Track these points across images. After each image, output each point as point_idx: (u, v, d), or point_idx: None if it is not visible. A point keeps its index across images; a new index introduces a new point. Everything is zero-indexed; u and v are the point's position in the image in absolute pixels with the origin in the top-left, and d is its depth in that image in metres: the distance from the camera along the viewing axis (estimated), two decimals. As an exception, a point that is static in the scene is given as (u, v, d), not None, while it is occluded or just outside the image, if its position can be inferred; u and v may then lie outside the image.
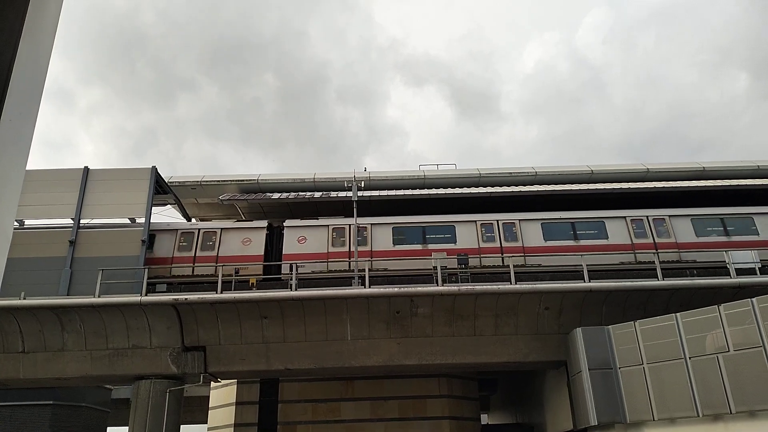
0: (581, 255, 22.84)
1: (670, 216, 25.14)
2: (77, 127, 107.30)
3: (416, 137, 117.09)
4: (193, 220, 30.09)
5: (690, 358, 18.80)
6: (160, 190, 25.63)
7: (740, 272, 22.18)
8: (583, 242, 24.58)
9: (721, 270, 22.73)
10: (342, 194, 26.41)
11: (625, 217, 25.17)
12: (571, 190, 27.23)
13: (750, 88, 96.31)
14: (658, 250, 23.94)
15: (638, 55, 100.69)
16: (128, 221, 24.74)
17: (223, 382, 27.52)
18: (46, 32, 1.66)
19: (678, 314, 19.47)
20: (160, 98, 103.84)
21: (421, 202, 27.27)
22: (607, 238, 24.72)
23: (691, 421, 18.35)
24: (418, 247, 24.43)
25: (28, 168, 1.70)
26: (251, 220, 27.56)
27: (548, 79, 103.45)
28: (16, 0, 1.57)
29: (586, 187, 27.60)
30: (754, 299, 18.18)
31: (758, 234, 24.64)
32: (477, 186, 28.85)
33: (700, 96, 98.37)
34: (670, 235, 24.65)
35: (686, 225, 24.99)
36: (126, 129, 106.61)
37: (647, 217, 25.11)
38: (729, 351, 18.11)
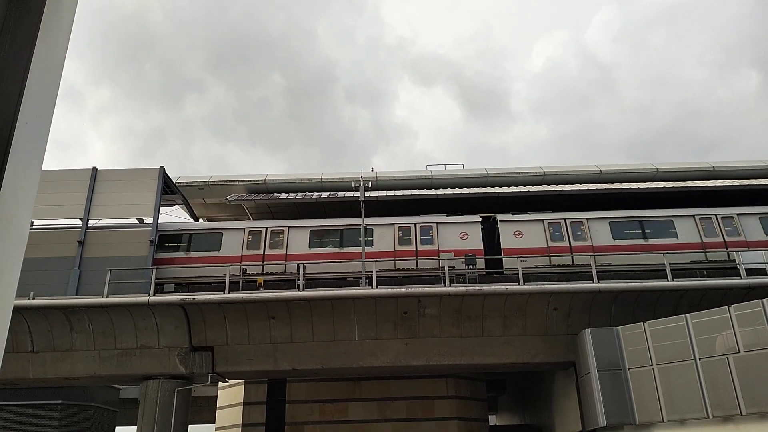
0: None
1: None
2: (87, 127, 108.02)
3: (424, 137, 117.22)
4: (201, 220, 30.18)
5: (700, 359, 18.68)
6: (168, 190, 25.72)
7: (750, 273, 22.03)
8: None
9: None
10: (349, 194, 26.40)
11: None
12: (579, 190, 27.13)
13: (760, 86, 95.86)
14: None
15: (648, 54, 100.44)
16: (136, 221, 24.85)
17: (231, 382, 27.57)
18: (61, 38, 1.65)
19: (688, 315, 19.35)
20: (168, 98, 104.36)
21: (428, 202, 27.24)
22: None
23: (701, 423, 18.23)
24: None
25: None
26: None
27: (557, 77, 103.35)
28: (32, 7, 1.56)
29: (595, 187, 27.50)
30: (764, 300, 18.06)
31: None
32: (485, 186, 28.78)
33: (710, 95, 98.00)
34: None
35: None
36: (135, 129, 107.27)
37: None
38: (739, 352, 17.98)
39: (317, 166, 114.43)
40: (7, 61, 1.49)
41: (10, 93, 1.47)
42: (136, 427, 22.42)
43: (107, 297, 21.43)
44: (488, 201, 27.06)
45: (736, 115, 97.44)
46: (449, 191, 27.76)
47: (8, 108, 1.47)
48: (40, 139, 1.57)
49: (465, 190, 27.79)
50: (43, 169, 1.64)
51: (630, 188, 27.18)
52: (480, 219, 25.11)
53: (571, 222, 24.60)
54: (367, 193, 24.90)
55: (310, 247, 24.46)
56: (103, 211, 23.91)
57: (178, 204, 27.85)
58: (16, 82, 1.49)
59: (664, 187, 27.10)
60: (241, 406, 27.48)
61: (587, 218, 24.72)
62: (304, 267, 22.49)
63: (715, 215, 24.71)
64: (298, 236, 24.67)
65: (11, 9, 1.56)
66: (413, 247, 24.20)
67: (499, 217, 25.09)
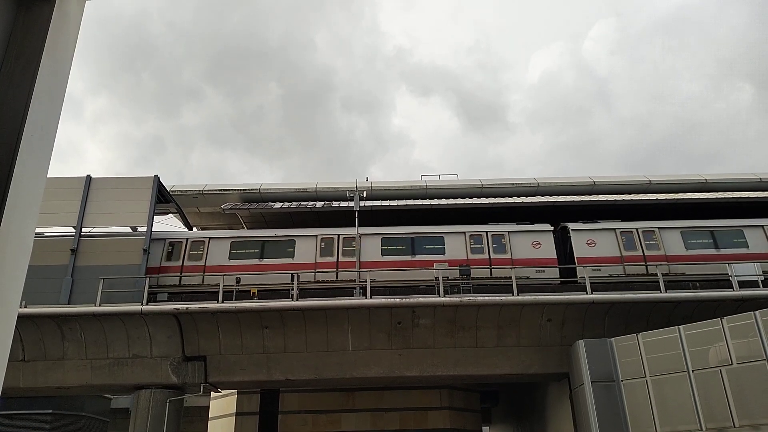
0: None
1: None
2: (84, 135, 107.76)
3: (422, 146, 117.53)
4: (195, 229, 30.09)
5: (693, 371, 18.72)
6: (162, 198, 25.65)
7: (743, 285, 22.14)
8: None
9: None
10: (344, 204, 26.42)
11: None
12: (573, 201, 27.24)
13: (755, 99, 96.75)
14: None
15: (644, 67, 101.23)
16: (130, 230, 24.76)
17: (224, 392, 27.39)
18: (66, 52, 1.68)
19: (681, 327, 19.40)
20: (166, 107, 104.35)
21: (422, 213, 27.29)
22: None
23: (694, 435, 18.24)
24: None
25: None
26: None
27: (554, 89, 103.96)
28: (39, 21, 1.59)
29: (588, 199, 27.60)
30: (757, 312, 18.12)
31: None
32: (479, 197, 28.87)
33: (706, 107, 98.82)
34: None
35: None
36: (133, 137, 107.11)
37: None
38: (732, 364, 18.03)
39: (314, 175, 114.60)
40: (15, 74, 1.52)
41: (17, 104, 1.50)
42: (127, 438, 22.25)
43: (100, 306, 21.31)
44: (482, 212, 27.13)
45: (731, 128, 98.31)
46: (443, 202, 27.83)
47: (15, 119, 1.49)
48: (45, 150, 1.60)
49: (459, 201, 27.87)
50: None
51: (623, 200, 27.31)
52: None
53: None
54: (361, 203, 24.94)
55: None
56: (96, 219, 23.81)
57: (172, 213, 27.79)
58: (23, 94, 1.51)
59: (657, 199, 27.25)
60: (234, 417, 27.29)
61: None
62: (298, 276, 22.45)
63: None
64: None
65: (18, 23, 1.58)
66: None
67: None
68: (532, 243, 24.50)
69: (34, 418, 30.46)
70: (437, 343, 22.62)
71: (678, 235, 24.84)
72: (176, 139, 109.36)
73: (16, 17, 1.58)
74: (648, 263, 24.08)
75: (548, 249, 24.37)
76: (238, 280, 22.60)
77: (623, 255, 24.25)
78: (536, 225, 25.33)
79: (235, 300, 22.17)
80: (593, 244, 24.46)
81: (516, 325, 22.53)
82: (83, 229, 23.51)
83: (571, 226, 25.05)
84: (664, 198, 27.37)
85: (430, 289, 22.80)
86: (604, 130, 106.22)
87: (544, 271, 23.39)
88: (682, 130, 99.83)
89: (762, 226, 25.06)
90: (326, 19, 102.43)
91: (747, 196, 27.40)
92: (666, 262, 23.99)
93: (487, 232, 24.90)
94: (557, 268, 24.02)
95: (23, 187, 1.51)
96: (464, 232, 25.02)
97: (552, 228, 25.16)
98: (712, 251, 24.46)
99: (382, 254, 24.32)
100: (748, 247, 24.60)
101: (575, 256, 24.20)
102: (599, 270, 23.01)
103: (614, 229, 24.95)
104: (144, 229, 23.94)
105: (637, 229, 24.93)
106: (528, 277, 23.30)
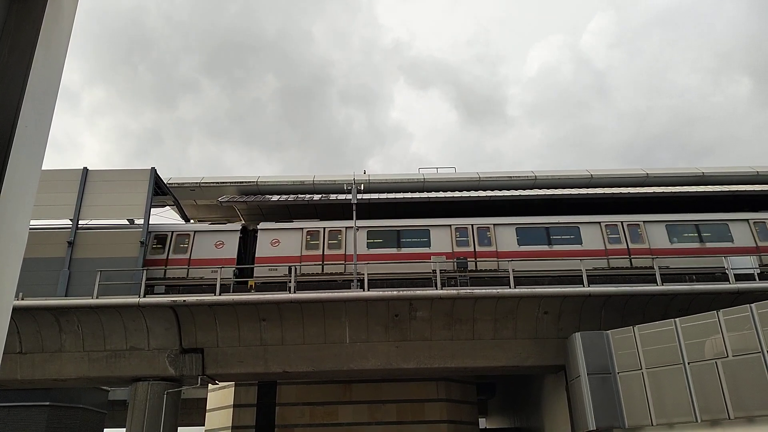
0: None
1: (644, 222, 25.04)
2: (81, 127, 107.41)
3: (420, 140, 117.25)
4: (192, 221, 30.06)
5: (689, 363, 18.81)
6: (159, 191, 25.59)
7: (739, 278, 22.22)
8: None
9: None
10: (341, 197, 26.41)
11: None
12: (570, 194, 27.27)
13: (752, 92, 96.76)
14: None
15: (643, 60, 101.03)
16: (127, 222, 24.73)
17: (221, 384, 27.45)
18: (60, 43, 1.68)
19: (677, 319, 19.49)
20: (163, 99, 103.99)
21: (420, 206, 27.30)
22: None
23: (689, 427, 18.35)
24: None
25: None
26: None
27: (553, 82, 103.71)
28: (32, 12, 1.58)
29: (585, 192, 27.65)
30: (752, 305, 18.20)
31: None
32: (476, 189, 28.89)
33: (704, 101, 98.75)
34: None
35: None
36: (130, 130, 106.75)
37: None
38: (728, 356, 18.12)
39: (312, 168, 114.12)
40: (8, 66, 1.51)
41: (10, 97, 1.49)
42: (124, 430, 22.28)
43: (97, 298, 21.30)
44: (479, 204, 27.15)
45: (729, 121, 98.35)
46: (441, 195, 27.84)
47: (8, 111, 1.48)
48: (40, 143, 1.59)
49: (456, 194, 27.88)
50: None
51: (621, 193, 27.35)
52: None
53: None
54: (359, 196, 24.94)
55: None
56: (93, 211, 23.76)
57: (169, 205, 27.75)
58: (17, 87, 1.51)
59: (654, 192, 27.29)
60: (231, 409, 27.37)
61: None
62: (296, 269, 22.48)
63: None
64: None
65: (11, 14, 1.58)
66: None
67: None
68: (216, 243, 24.53)
69: (32, 410, 30.52)
70: (434, 335, 22.68)
71: (364, 235, 24.93)
72: (173, 131, 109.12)
73: (10, 9, 1.58)
74: (325, 263, 24.30)
75: (231, 249, 24.44)
76: None
77: (303, 254, 24.42)
78: (226, 225, 25.77)
79: (233, 292, 22.21)
80: (277, 244, 24.64)
81: (513, 318, 22.60)
82: (80, 222, 23.47)
83: (260, 226, 25.20)
84: (662, 191, 27.42)
85: (427, 281, 22.86)
86: (602, 123, 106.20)
87: (217, 271, 22.98)
88: (680, 124, 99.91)
89: (449, 225, 25.12)
90: (323, 12, 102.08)
91: (744, 189, 27.45)
92: (344, 261, 24.16)
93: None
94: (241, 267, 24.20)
95: (17, 180, 1.50)
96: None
97: (239, 228, 25.30)
98: (393, 250, 24.68)
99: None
100: (430, 246, 24.70)
101: (256, 256, 24.43)
102: (276, 270, 22.92)
103: (301, 228, 25.11)
104: (141, 221, 23.92)
105: (324, 228, 25.15)
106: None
